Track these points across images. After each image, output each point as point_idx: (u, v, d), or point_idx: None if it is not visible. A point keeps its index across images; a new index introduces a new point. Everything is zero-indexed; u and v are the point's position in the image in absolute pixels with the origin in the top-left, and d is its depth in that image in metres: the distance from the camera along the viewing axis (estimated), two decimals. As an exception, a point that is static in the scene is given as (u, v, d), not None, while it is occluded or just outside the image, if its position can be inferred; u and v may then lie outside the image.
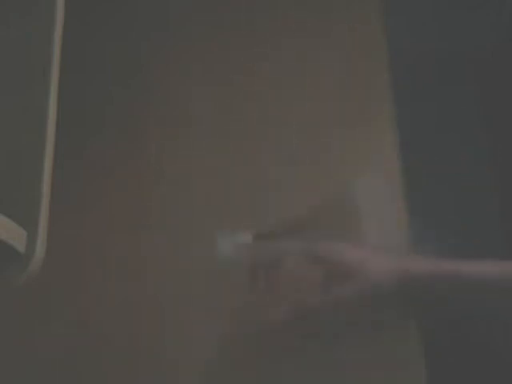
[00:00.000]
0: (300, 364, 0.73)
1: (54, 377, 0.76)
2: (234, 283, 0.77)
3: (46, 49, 0.65)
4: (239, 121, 0.88)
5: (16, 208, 0.59)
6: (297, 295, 0.68)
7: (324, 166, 0.84)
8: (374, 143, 0.85)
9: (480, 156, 1.37)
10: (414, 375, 0.71)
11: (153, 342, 0.76)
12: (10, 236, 0.56)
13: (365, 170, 0.83)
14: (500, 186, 1.32)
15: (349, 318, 0.73)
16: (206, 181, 0.84)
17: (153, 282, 0.79)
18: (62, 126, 0.66)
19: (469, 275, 0.64)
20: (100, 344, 0.76)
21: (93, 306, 0.78)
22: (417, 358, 0.71)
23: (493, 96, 1.39)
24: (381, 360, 0.72)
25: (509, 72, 1.32)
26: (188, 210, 0.83)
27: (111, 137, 0.88)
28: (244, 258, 0.69)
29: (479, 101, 1.42)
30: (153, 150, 0.87)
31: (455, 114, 1.41)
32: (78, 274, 0.80)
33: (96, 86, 0.91)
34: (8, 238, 0.55)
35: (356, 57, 0.89)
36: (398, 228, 0.79)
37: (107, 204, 0.84)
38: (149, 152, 0.87)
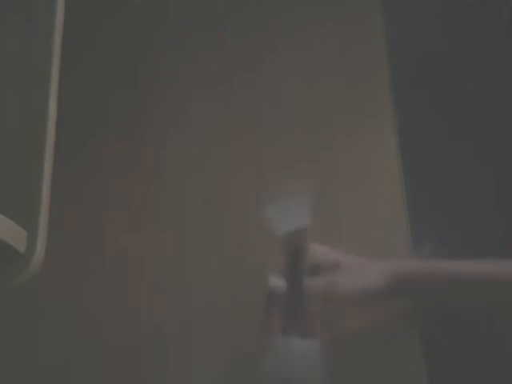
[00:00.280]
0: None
1: (54, 376, 0.76)
2: (233, 284, 0.77)
3: (46, 49, 0.65)
4: (239, 122, 0.88)
5: (16, 208, 0.59)
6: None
7: (324, 167, 0.83)
8: (374, 143, 0.85)
9: (480, 156, 1.38)
10: (414, 375, 0.71)
11: (153, 342, 0.76)
12: (10, 236, 0.56)
13: (365, 171, 0.83)
14: (500, 185, 1.32)
15: (348, 318, 0.73)
16: (206, 181, 0.84)
17: (153, 281, 0.79)
18: (62, 126, 0.66)
19: (468, 275, 0.64)
20: (100, 343, 0.77)
21: (93, 306, 0.78)
22: (417, 358, 0.71)
23: (493, 96, 1.39)
24: (381, 360, 0.72)
25: (509, 72, 1.32)
26: (188, 209, 0.83)
27: (111, 137, 0.88)
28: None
29: (479, 101, 1.42)
30: (153, 149, 0.87)
31: (455, 114, 1.41)
32: (77, 274, 0.81)
33: (96, 86, 0.91)
34: (8, 238, 0.55)
35: (356, 57, 0.89)
36: (398, 228, 0.79)
37: (107, 204, 0.84)
38: (149, 152, 0.87)
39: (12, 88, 0.64)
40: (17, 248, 0.57)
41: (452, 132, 1.40)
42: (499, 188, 1.31)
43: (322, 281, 0.65)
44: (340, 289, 0.64)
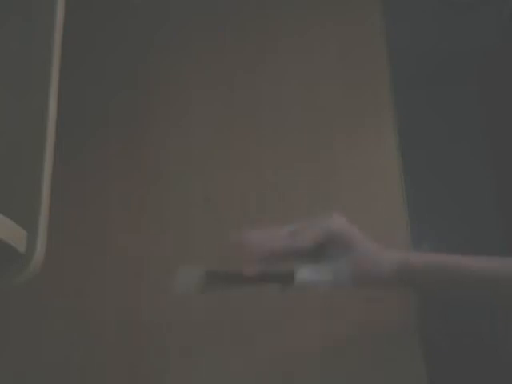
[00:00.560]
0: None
1: (54, 376, 0.76)
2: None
3: (46, 49, 0.65)
4: (239, 122, 0.88)
5: (16, 208, 0.59)
6: None
7: (324, 167, 0.83)
8: (374, 143, 0.85)
9: (480, 156, 1.38)
10: (414, 375, 0.71)
11: (153, 341, 0.76)
12: (10, 236, 0.56)
13: (365, 171, 0.83)
14: (500, 185, 1.32)
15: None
16: (206, 181, 0.84)
17: (153, 281, 0.79)
18: (62, 126, 0.66)
19: (468, 267, 0.64)
20: (100, 343, 0.77)
21: (93, 306, 0.78)
22: (417, 358, 0.71)
23: (493, 96, 1.39)
24: (381, 360, 0.72)
25: (509, 72, 1.32)
26: (188, 209, 0.83)
27: (111, 137, 0.88)
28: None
29: (479, 101, 1.42)
30: (153, 149, 0.87)
31: (455, 114, 1.42)
32: (78, 274, 0.81)
33: (96, 86, 0.91)
34: (8, 238, 0.55)
35: (356, 57, 0.89)
36: (398, 228, 0.79)
37: (107, 204, 0.84)
38: (149, 152, 0.87)
39: (12, 88, 0.64)
40: (17, 248, 0.57)
41: (452, 132, 1.40)
42: (499, 188, 1.31)
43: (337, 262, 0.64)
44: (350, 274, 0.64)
